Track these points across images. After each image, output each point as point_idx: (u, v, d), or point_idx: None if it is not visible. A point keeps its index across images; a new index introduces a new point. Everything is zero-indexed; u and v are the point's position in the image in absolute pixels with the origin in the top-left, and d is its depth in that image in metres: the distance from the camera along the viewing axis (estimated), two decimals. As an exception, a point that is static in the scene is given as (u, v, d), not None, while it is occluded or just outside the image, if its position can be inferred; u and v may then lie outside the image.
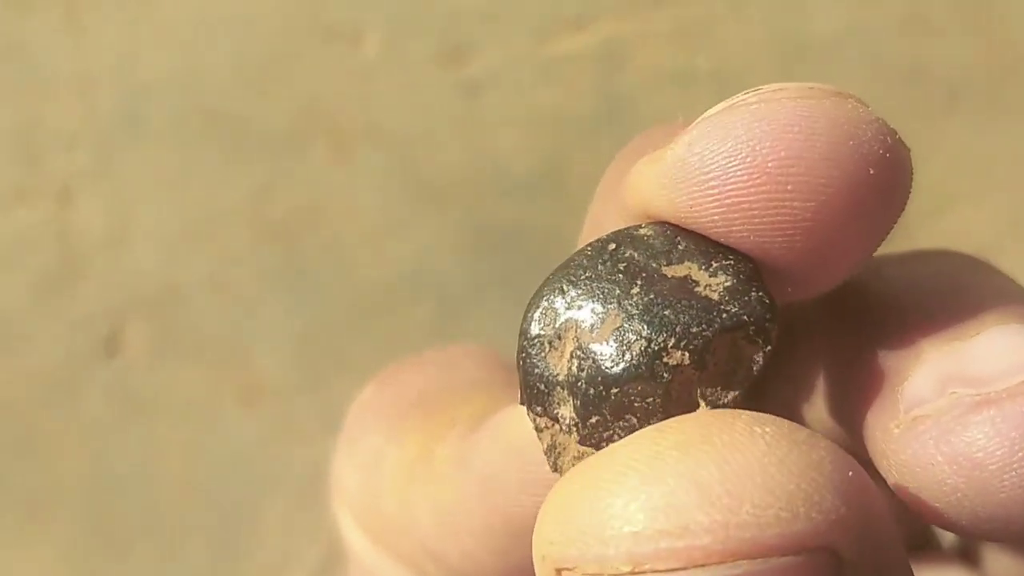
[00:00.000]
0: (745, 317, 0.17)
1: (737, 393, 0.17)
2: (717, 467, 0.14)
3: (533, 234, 0.38)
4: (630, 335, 0.16)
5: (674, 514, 0.14)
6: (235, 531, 0.38)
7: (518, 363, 0.17)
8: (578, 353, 0.17)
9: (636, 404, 0.16)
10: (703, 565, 0.14)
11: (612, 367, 0.16)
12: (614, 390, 0.16)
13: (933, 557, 0.23)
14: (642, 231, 0.18)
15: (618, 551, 0.14)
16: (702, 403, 0.17)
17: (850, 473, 0.15)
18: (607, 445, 0.17)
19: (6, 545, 0.38)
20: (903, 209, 0.17)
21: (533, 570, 0.16)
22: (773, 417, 0.15)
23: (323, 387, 0.38)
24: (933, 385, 0.17)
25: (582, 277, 0.17)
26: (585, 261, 0.17)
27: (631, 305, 0.17)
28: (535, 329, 0.17)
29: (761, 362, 0.17)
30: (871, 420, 0.17)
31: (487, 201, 0.38)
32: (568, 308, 0.17)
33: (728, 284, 0.17)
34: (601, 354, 0.17)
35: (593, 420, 0.17)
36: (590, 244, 0.18)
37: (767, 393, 0.20)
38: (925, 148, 0.40)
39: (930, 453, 0.16)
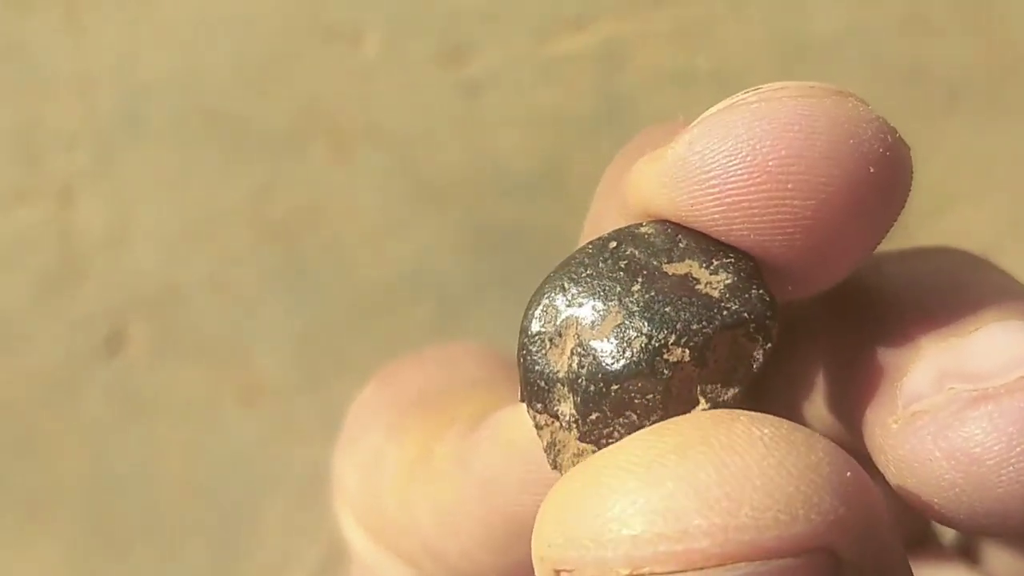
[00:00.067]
0: (746, 314, 0.17)
1: (737, 390, 0.17)
2: (715, 470, 0.14)
3: (533, 234, 0.38)
4: (631, 332, 0.17)
5: (673, 517, 0.14)
6: (235, 531, 0.38)
7: (518, 360, 0.17)
8: (579, 350, 0.17)
9: (636, 401, 0.16)
10: (701, 568, 0.14)
11: (613, 364, 0.17)
12: (614, 387, 0.16)
13: (933, 554, 0.23)
14: (643, 229, 0.18)
15: (616, 554, 0.14)
16: (702, 400, 0.17)
17: (848, 473, 0.15)
18: (607, 442, 0.17)
19: (6, 545, 0.38)
20: (903, 207, 0.17)
21: (532, 569, 0.16)
22: (772, 418, 0.15)
23: (323, 387, 0.38)
24: (931, 381, 0.17)
25: (583, 275, 0.17)
26: (586, 259, 0.17)
27: (632, 302, 0.17)
28: (536, 326, 0.17)
29: (761, 360, 0.17)
30: (870, 416, 0.18)
31: (487, 201, 0.38)
32: (569, 305, 0.17)
33: (729, 282, 0.17)
34: (602, 351, 0.17)
35: (593, 417, 0.17)
36: (591, 242, 0.18)
37: (767, 390, 0.20)
38: (925, 148, 0.40)
39: (928, 448, 0.16)
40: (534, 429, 0.17)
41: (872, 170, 0.16)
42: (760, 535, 0.14)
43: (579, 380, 0.17)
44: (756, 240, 0.17)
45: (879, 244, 0.18)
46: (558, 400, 0.17)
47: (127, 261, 0.37)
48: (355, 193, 0.38)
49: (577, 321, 0.17)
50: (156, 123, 0.37)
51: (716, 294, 0.17)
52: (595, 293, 0.17)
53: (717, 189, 0.16)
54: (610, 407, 0.17)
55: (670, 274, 0.17)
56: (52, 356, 0.37)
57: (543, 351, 0.17)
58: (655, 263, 0.17)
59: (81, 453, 0.38)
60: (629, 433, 0.17)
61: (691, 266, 0.17)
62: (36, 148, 0.37)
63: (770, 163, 0.16)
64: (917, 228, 0.20)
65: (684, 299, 0.17)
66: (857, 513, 0.15)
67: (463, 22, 0.37)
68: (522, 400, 0.17)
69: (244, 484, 0.38)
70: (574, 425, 0.17)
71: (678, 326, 0.16)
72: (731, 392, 0.17)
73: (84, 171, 0.37)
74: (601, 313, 0.17)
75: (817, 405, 0.20)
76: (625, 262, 0.17)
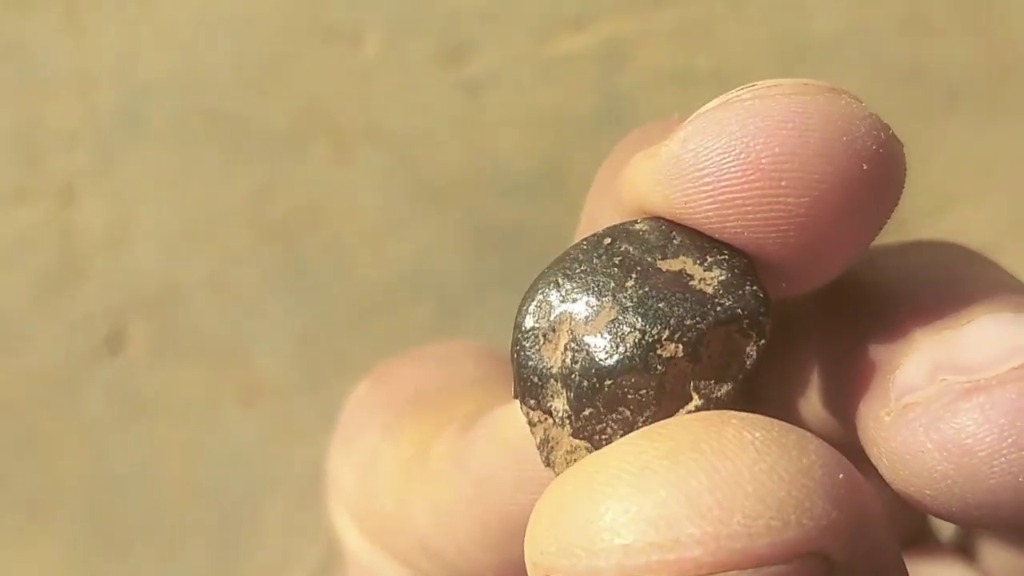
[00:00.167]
0: (739, 310, 0.17)
1: (731, 387, 0.17)
2: (707, 476, 0.14)
3: (533, 234, 0.38)
4: (624, 327, 0.17)
5: (664, 526, 0.14)
6: (235, 531, 0.38)
7: (512, 356, 0.17)
8: (572, 345, 0.17)
9: (630, 396, 0.16)
10: None
11: (606, 359, 0.17)
12: (608, 382, 0.16)
13: (930, 551, 0.23)
14: (637, 226, 0.18)
15: (608, 563, 0.14)
16: (695, 396, 0.17)
17: (841, 475, 0.15)
18: (600, 438, 0.17)
19: (6, 545, 0.38)
20: (896, 204, 0.17)
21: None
22: (763, 420, 0.15)
23: (323, 387, 0.38)
24: (924, 373, 0.17)
25: (577, 271, 0.17)
26: (580, 255, 0.17)
27: (626, 298, 0.17)
28: (529, 322, 0.17)
29: (755, 356, 0.17)
30: (863, 409, 0.18)
31: (487, 201, 0.38)
32: (563, 301, 0.17)
33: (723, 278, 0.17)
34: (595, 346, 0.17)
35: (586, 412, 0.17)
36: (585, 239, 0.18)
37: (762, 386, 0.20)
38: (925, 148, 0.40)
39: (920, 440, 0.16)
40: (527, 426, 0.17)
41: (865, 167, 0.16)
42: (752, 543, 0.14)
43: (572, 376, 0.17)
44: (750, 237, 0.17)
45: (873, 241, 0.18)
46: (551, 396, 0.17)
47: (127, 261, 0.37)
48: (355, 193, 0.38)
49: (571, 317, 0.17)
50: (156, 123, 0.37)
51: (710, 290, 0.17)
52: (589, 289, 0.17)
53: (711, 186, 0.16)
54: (603, 403, 0.17)
55: (664, 270, 0.17)
56: (52, 356, 0.37)
57: (537, 347, 0.17)
58: (649, 259, 0.17)
59: (81, 453, 0.38)
60: (622, 429, 0.17)
61: (685, 262, 0.17)
62: (36, 148, 0.37)
63: (763, 160, 0.16)
64: (917, 228, 0.20)
65: (678, 295, 0.17)
66: (849, 516, 0.15)
67: (463, 22, 0.37)
68: (515, 396, 0.17)
69: (244, 484, 0.38)
70: (567, 421, 0.17)
71: (672, 321, 0.16)
72: (724, 388, 0.17)
73: (84, 171, 0.37)
74: (595, 309, 0.17)
75: (812, 400, 0.20)
76: (619, 258, 0.17)
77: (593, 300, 0.17)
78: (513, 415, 0.19)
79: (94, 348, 0.37)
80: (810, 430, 0.19)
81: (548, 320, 0.17)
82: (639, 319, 0.17)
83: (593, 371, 0.17)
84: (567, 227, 0.21)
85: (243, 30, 0.37)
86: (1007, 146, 0.39)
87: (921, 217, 0.37)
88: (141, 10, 0.37)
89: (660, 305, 0.17)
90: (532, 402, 0.17)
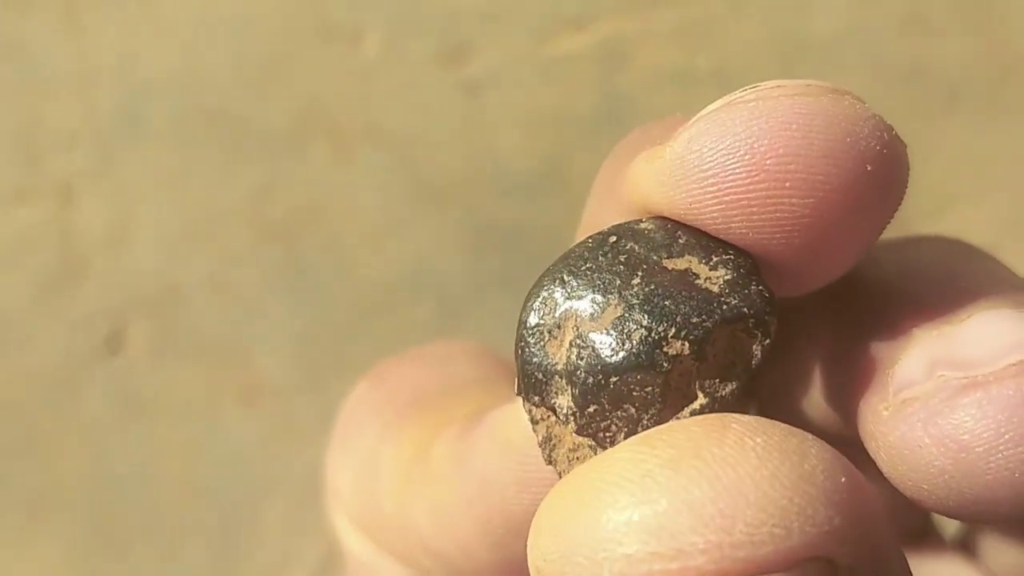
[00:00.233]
0: (745, 310, 0.17)
1: (735, 386, 0.17)
2: (709, 484, 0.14)
3: (533, 234, 0.38)
4: (630, 324, 0.17)
5: (667, 536, 0.14)
6: (235, 531, 0.38)
7: (516, 353, 0.17)
8: (578, 342, 0.17)
9: (635, 394, 0.16)
10: None
11: (612, 356, 0.16)
12: (613, 379, 0.16)
13: (933, 548, 0.23)
14: (643, 225, 0.18)
15: (612, 573, 0.14)
16: (700, 395, 0.17)
17: (843, 479, 0.15)
18: (604, 435, 0.17)
19: (6, 545, 0.38)
20: (900, 204, 0.17)
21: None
22: (764, 424, 0.15)
23: (323, 387, 0.38)
24: (923, 368, 0.17)
25: (583, 268, 0.17)
26: (586, 252, 0.17)
27: (632, 295, 0.17)
28: (534, 318, 0.17)
29: (760, 355, 0.17)
30: (863, 404, 0.18)
31: (487, 201, 0.38)
32: (568, 298, 0.17)
33: (728, 277, 0.17)
34: (601, 343, 0.17)
35: (591, 409, 0.17)
36: (591, 236, 0.18)
37: (764, 383, 0.20)
38: (925, 148, 0.40)
39: (918, 435, 0.16)
40: (530, 424, 0.17)
41: (869, 168, 0.16)
42: (755, 551, 0.14)
43: (578, 372, 0.17)
44: (754, 238, 0.17)
45: (876, 240, 0.18)
46: (556, 393, 0.17)
47: (127, 261, 0.37)
48: (355, 193, 0.38)
49: (576, 313, 0.17)
50: (156, 123, 0.37)
51: (716, 289, 0.17)
52: (595, 286, 0.17)
53: (715, 188, 0.17)
54: (608, 400, 0.17)
55: (670, 269, 0.17)
56: (52, 356, 0.37)
57: (541, 343, 0.17)
58: (655, 258, 0.17)
59: (81, 453, 0.38)
60: (627, 426, 0.17)
61: (691, 261, 0.17)
62: (36, 148, 0.37)
63: (768, 162, 0.16)
64: (917, 228, 0.20)
65: (684, 293, 0.17)
66: (852, 520, 0.15)
67: (463, 22, 0.37)
68: (519, 393, 0.17)
69: (244, 484, 0.38)
70: (571, 418, 0.17)
71: (678, 319, 0.16)
72: (729, 387, 0.17)
73: (84, 171, 0.37)
74: (600, 306, 0.17)
75: (814, 396, 0.20)
76: (625, 256, 0.17)
77: (599, 297, 0.17)
78: (514, 415, 0.19)
79: (94, 348, 0.37)
80: (812, 426, 0.20)
81: (553, 317, 0.17)
82: (645, 316, 0.17)
83: (599, 368, 0.17)
84: (567, 227, 0.21)
85: (243, 30, 0.37)
86: (1007, 146, 0.39)
87: (921, 217, 0.37)
88: (141, 10, 0.37)
89: (666, 303, 0.17)
90: (536, 399, 0.17)
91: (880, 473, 0.17)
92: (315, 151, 0.38)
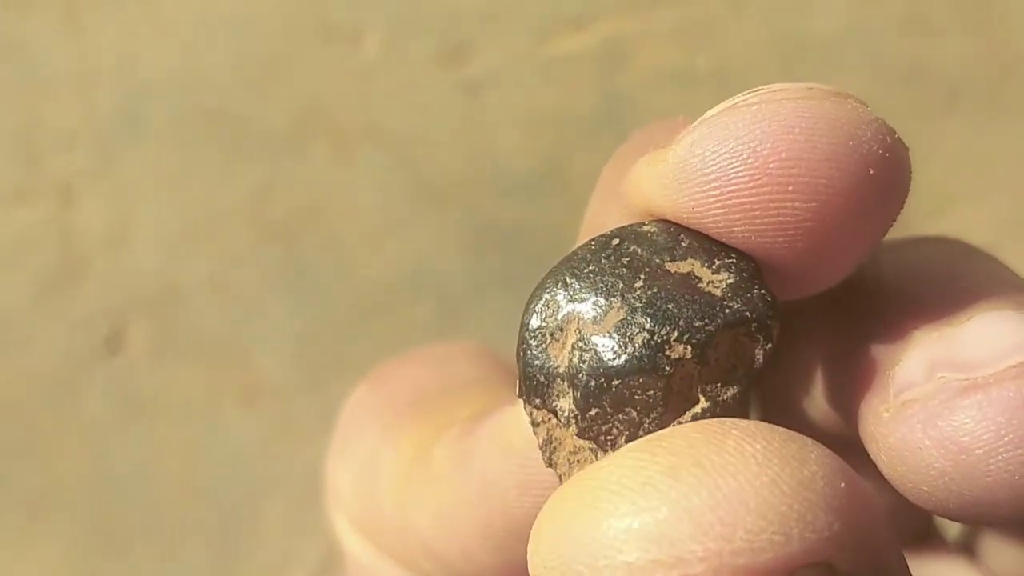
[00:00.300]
0: (747, 313, 0.17)
1: (737, 389, 0.17)
2: (708, 493, 0.14)
3: (533, 234, 0.38)
4: (633, 328, 0.17)
5: (667, 544, 0.14)
6: (235, 531, 0.38)
7: (518, 355, 0.17)
8: (580, 345, 0.17)
9: (637, 397, 0.16)
10: None
11: (614, 359, 0.17)
12: (615, 382, 0.16)
13: (936, 550, 0.23)
14: (645, 228, 0.18)
15: None
16: (702, 398, 0.17)
17: (842, 484, 0.15)
18: (605, 438, 0.17)
19: (6, 545, 0.38)
20: (902, 207, 0.17)
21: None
22: (764, 429, 0.15)
23: (323, 387, 0.38)
24: (923, 370, 0.17)
25: (585, 270, 0.17)
26: (588, 255, 0.17)
27: (634, 298, 0.17)
28: (536, 321, 0.17)
29: (762, 359, 0.17)
30: (864, 405, 0.18)
31: (487, 201, 0.38)
32: (570, 301, 0.17)
33: (731, 281, 0.17)
34: (603, 346, 0.17)
35: (593, 412, 0.17)
36: (593, 239, 0.18)
37: (766, 385, 0.20)
38: (925, 148, 0.40)
39: (918, 437, 0.16)
40: (530, 426, 0.17)
41: (872, 171, 0.16)
42: (755, 558, 0.14)
43: (579, 375, 0.17)
44: (757, 242, 0.17)
45: (878, 243, 0.18)
46: (557, 395, 0.17)
47: (127, 261, 0.37)
48: (355, 193, 0.38)
49: (579, 316, 0.17)
50: (156, 123, 0.37)
51: (718, 293, 0.17)
52: (597, 289, 0.17)
53: (718, 191, 0.17)
54: (610, 403, 0.17)
55: (673, 272, 0.17)
56: (52, 356, 0.37)
57: (543, 346, 0.17)
58: (658, 261, 0.17)
59: (81, 453, 0.38)
60: (628, 429, 0.17)
61: (693, 265, 0.17)
62: (36, 148, 0.37)
63: (771, 165, 0.16)
64: (917, 228, 0.20)
65: (687, 297, 0.17)
66: (851, 525, 0.15)
67: (463, 22, 0.37)
68: (520, 395, 0.17)
69: (244, 484, 0.38)
70: (573, 421, 0.17)
71: (681, 323, 0.16)
72: (731, 391, 0.17)
73: (84, 171, 0.37)
74: (603, 309, 0.17)
75: (816, 398, 0.20)
76: (628, 259, 0.17)
77: (601, 300, 0.17)
78: (515, 418, 0.19)
79: (94, 348, 0.37)
80: (814, 428, 0.20)
81: (555, 319, 0.17)
82: (648, 320, 0.17)
83: (601, 371, 0.17)
84: (567, 227, 0.21)
85: (243, 30, 0.37)
86: (1007, 146, 0.39)
87: (921, 217, 0.37)
88: (141, 10, 0.37)
89: (669, 306, 0.17)
90: (537, 401, 0.17)
91: (881, 475, 0.17)
92: (315, 151, 0.37)
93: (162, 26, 0.37)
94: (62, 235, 0.37)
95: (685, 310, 0.17)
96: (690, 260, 0.17)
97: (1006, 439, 0.16)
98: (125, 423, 0.38)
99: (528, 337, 0.17)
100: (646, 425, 0.17)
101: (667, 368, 0.16)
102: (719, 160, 0.16)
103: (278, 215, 0.38)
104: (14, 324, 0.37)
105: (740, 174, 0.16)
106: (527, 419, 0.17)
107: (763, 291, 0.17)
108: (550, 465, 0.17)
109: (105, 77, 0.37)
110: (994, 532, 0.22)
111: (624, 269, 0.17)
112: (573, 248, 0.18)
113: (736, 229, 0.17)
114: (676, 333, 0.16)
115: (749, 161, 0.16)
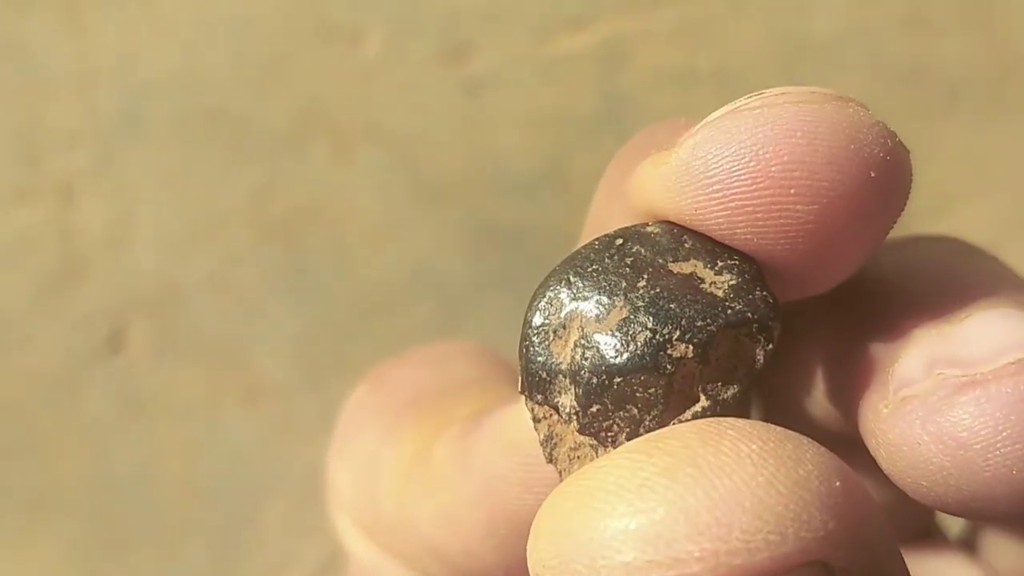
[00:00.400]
0: (749, 314, 0.17)
1: (737, 390, 0.17)
2: (704, 493, 0.14)
3: (534, 234, 0.38)
4: (635, 326, 0.17)
5: (664, 544, 0.14)
6: (235, 531, 0.38)
7: (520, 351, 0.17)
8: (582, 342, 0.17)
9: (638, 395, 0.17)
10: None
11: (616, 357, 0.17)
12: (617, 379, 0.17)
13: (936, 547, 0.23)
14: (649, 228, 0.18)
15: None
16: (703, 397, 0.17)
17: (838, 483, 0.15)
18: (606, 435, 0.17)
19: (6, 545, 0.38)
20: (903, 210, 0.17)
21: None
22: (760, 429, 0.15)
23: (323, 387, 0.38)
24: (922, 367, 0.17)
25: (589, 269, 0.17)
26: (592, 254, 0.18)
27: (637, 297, 0.17)
28: (539, 318, 0.17)
29: (762, 360, 0.17)
30: (863, 402, 0.18)
31: (488, 201, 0.38)
32: (574, 299, 0.17)
33: (733, 282, 0.17)
34: (606, 344, 0.17)
35: (594, 409, 0.17)
36: (597, 239, 0.18)
37: (766, 383, 0.20)
38: (925, 148, 0.40)
39: (916, 433, 0.17)
40: (532, 422, 0.17)
41: (873, 174, 0.16)
42: (751, 558, 0.14)
43: (582, 372, 0.17)
44: (759, 244, 0.17)
45: (879, 246, 0.18)
46: (559, 392, 0.17)
47: (127, 261, 0.37)
48: (355, 193, 0.38)
49: (581, 314, 0.17)
50: (156, 123, 0.37)
51: (720, 293, 0.17)
52: (601, 288, 0.17)
53: (721, 194, 0.17)
54: (611, 400, 0.17)
55: (675, 273, 0.17)
56: (52, 356, 0.37)
57: (546, 343, 0.17)
58: (661, 261, 0.17)
59: (81, 453, 0.38)
60: (629, 427, 0.17)
61: (696, 266, 0.17)
62: (36, 148, 0.37)
63: (773, 168, 0.16)
64: (918, 228, 0.20)
65: (689, 297, 0.17)
66: (847, 524, 0.15)
67: (463, 22, 0.37)
68: (522, 391, 0.18)
69: (244, 484, 0.38)
70: (574, 417, 0.17)
71: (683, 322, 0.17)
72: (731, 391, 0.17)
73: (84, 171, 0.37)
74: (606, 307, 0.17)
75: (816, 396, 0.20)
76: (631, 259, 0.17)
77: (604, 299, 0.17)
78: (517, 416, 0.19)
79: (94, 348, 0.37)
80: (815, 426, 0.20)
81: (558, 317, 0.17)
82: (650, 319, 0.17)
83: (603, 368, 0.17)
84: (567, 227, 0.21)
85: (243, 30, 0.37)
86: (1007, 146, 0.39)
87: (921, 217, 0.37)
88: (141, 10, 0.37)
89: (671, 306, 0.17)
90: (539, 397, 0.17)
91: (882, 472, 0.18)
92: (315, 151, 0.37)
93: (162, 26, 0.37)
94: (62, 235, 0.37)
95: (687, 310, 0.17)
96: (693, 261, 0.17)
97: (1004, 434, 0.16)
98: (125, 423, 0.38)
99: (531, 334, 0.17)
100: (647, 423, 0.17)
101: (669, 367, 0.16)
102: (722, 163, 0.16)
103: (278, 215, 0.38)
104: (14, 324, 0.37)
105: (742, 177, 0.16)
106: (528, 415, 0.18)
107: (765, 292, 0.17)
108: (550, 461, 0.17)
109: (105, 77, 0.37)
110: (994, 528, 0.22)
111: (627, 269, 0.17)
112: (576, 247, 0.18)
113: (738, 231, 0.17)
114: (678, 332, 0.17)
115: (751, 164, 0.16)
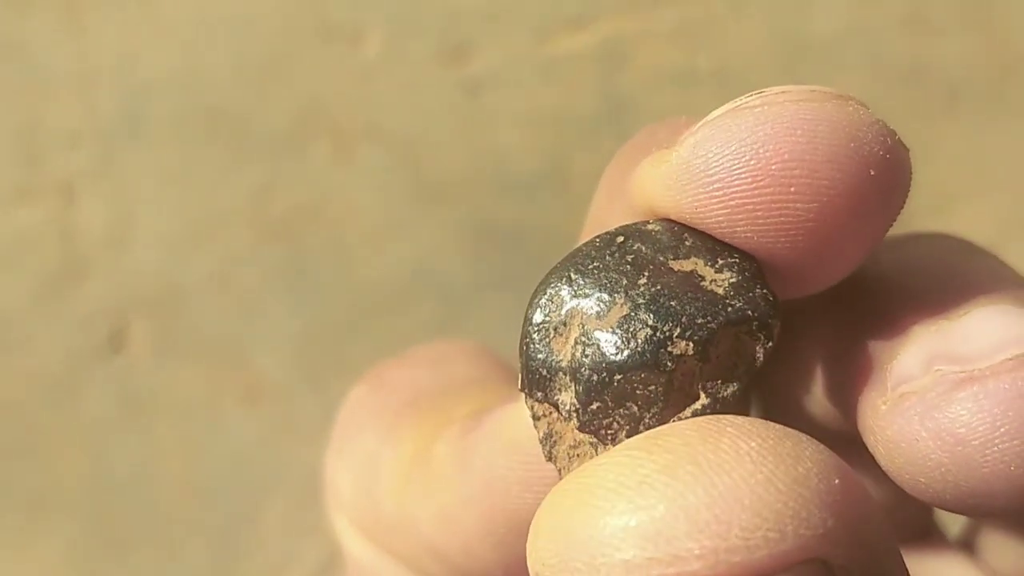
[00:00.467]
0: (749, 312, 0.17)
1: (737, 387, 0.17)
2: (704, 491, 0.14)
3: (534, 234, 0.38)
4: (636, 323, 0.17)
5: (664, 542, 0.14)
6: (235, 531, 0.38)
7: (521, 349, 0.17)
8: (583, 339, 0.17)
9: (638, 392, 0.17)
10: None
11: (617, 354, 0.17)
12: (617, 377, 0.17)
13: (936, 546, 0.23)
14: (650, 226, 0.18)
15: None
16: (703, 395, 0.17)
17: (837, 481, 0.15)
18: (606, 432, 0.17)
19: (6, 545, 0.38)
20: (902, 208, 0.17)
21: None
22: (759, 427, 0.15)
23: (323, 387, 0.38)
24: (920, 363, 0.17)
25: (589, 267, 0.17)
26: (593, 252, 0.18)
27: (638, 295, 0.17)
28: (540, 315, 0.17)
29: (762, 357, 0.17)
30: (862, 399, 0.18)
31: (488, 200, 0.38)
32: (574, 296, 0.17)
33: (733, 280, 0.17)
34: (606, 341, 0.17)
35: (594, 406, 0.17)
36: (598, 236, 0.18)
37: (766, 380, 0.20)
38: (925, 148, 0.40)
39: (915, 429, 0.17)
40: (531, 420, 0.17)
41: (873, 173, 0.16)
42: (751, 555, 0.14)
43: (582, 369, 0.17)
44: (759, 242, 0.17)
45: (878, 244, 0.18)
46: (559, 389, 0.17)
47: (128, 261, 0.37)
48: (356, 193, 0.38)
49: (582, 312, 0.17)
50: (157, 123, 0.37)
51: (721, 291, 0.17)
52: (601, 285, 0.17)
53: (721, 193, 0.17)
54: (612, 397, 0.17)
55: (676, 270, 0.17)
56: (53, 356, 0.37)
57: (546, 340, 0.17)
58: (661, 259, 0.17)
59: (81, 453, 0.38)
60: (629, 424, 0.17)
61: (697, 263, 0.17)
62: (37, 148, 0.37)
63: (773, 167, 0.16)
64: (918, 227, 0.21)
65: (689, 294, 0.17)
66: (846, 521, 0.15)
67: (464, 21, 0.37)
68: (522, 389, 0.18)
69: (244, 484, 0.38)
70: (574, 414, 0.17)
71: (683, 319, 0.17)
72: (731, 388, 0.17)
73: (85, 171, 0.37)
74: (607, 304, 0.17)
75: (816, 395, 0.20)
76: (632, 256, 0.17)
77: (605, 296, 0.17)
78: (517, 414, 0.19)
79: (95, 348, 0.37)
80: (814, 423, 0.20)
81: (559, 314, 0.17)
82: (651, 316, 0.17)
83: (604, 365, 0.17)
84: (568, 227, 0.21)
85: (243, 30, 0.37)
86: (1007, 146, 0.39)
87: (922, 216, 0.37)
88: (141, 10, 0.37)
89: (672, 303, 0.17)
90: (539, 395, 0.17)
91: (881, 470, 0.18)
92: (315, 151, 0.38)
93: (162, 26, 0.37)
94: (63, 235, 0.37)
95: (688, 307, 0.17)
96: (693, 259, 0.17)
97: (1002, 430, 0.16)
98: (125, 423, 0.38)
99: (531, 331, 0.17)
100: (647, 420, 0.17)
101: (669, 364, 0.17)
102: (722, 162, 0.17)
103: (278, 215, 0.38)
104: (14, 324, 0.37)
105: (743, 175, 0.16)
106: (528, 413, 0.18)
107: (765, 290, 0.17)
108: (550, 459, 0.17)
109: (105, 77, 0.37)
110: (993, 527, 0.22)
111: (628, 266, 0.17)
112: (576, 245, 0.18)
113: (738, 229, 0.17)
114: (679, 330, 0.17)
115: (751, 163, 0.16)
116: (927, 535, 0.24)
